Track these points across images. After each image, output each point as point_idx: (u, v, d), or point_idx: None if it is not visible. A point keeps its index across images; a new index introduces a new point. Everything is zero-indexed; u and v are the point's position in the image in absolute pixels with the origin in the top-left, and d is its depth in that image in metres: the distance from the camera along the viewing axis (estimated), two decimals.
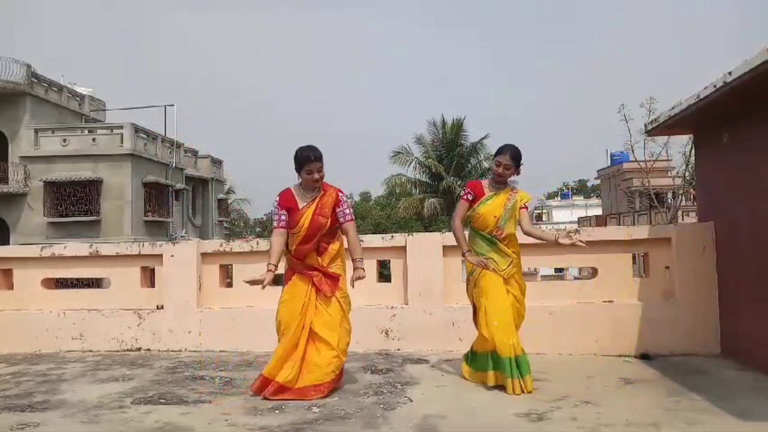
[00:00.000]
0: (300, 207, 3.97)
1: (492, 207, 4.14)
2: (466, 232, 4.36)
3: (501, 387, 3.94)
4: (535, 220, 62.90)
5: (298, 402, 3.75)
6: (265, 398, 3.84)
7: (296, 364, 3.88)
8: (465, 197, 4.26)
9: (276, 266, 3.97)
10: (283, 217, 3.99)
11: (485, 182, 4.33)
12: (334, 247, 4.05)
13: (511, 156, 4.16)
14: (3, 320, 6.07)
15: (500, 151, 4.22)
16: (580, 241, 4.04)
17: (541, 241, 4.72)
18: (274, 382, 3.87)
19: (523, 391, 3.84)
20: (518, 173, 4.26)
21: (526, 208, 4.27)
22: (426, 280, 5.49)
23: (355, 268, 4.01)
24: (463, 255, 4.23)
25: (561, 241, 4.12)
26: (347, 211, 4.06)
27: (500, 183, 4.26)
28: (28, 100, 24.46)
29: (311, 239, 3.96)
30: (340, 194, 4.08)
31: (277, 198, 4.06)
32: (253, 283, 3.95)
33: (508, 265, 4.13)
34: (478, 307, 4.16)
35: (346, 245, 4.16)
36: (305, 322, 3.94)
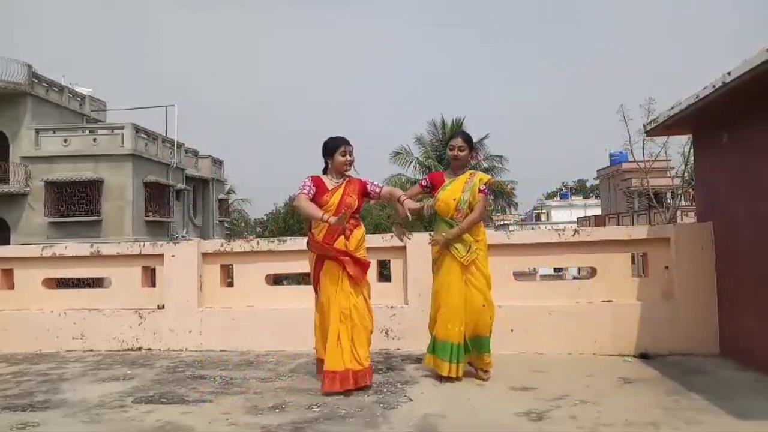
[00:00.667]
0: (329, 188, 4.18)
1: (451, 191, 4.28)
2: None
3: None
4: (534, 220, 62.91)
5: (298, 401, 3.76)
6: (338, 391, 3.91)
7: (335, 348, 3.99)
8: (421, 183, 4.56)
9: (326, 213, 4.05)
10: (312, 189, 4.16)
11: (446, 172, 4.49)
12: (359, 232, 4.19)
13: (464, 139, 4.41)
14: (4, 320, 6.08)
15: (452, 137, 4.48)
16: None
17: (540, 241, 4.76)
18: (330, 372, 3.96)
19: (458, 376, 4.15)
20: (472, 157, 4.55)
21: (485, 192, 4.32)
22: (426, 280, 5.45)
23: (347, 239, 4.11)
24: (396, 231, 4.49)
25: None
26: (377, 183, 4.33)
27: (458, 168, 4.42)
28: (28, 100, 24.48)
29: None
30: (366, 179, 4.33)
31: (309, 177, 4.24)
32: (337, 222, 3.97)
33: (468, 252, 4.19)
34: (432, 292, 4.36)
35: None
36: (340, 306, 4.06)
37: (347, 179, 4.26)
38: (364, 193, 4.28)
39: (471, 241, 4.20)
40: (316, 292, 4.28)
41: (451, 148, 4.39)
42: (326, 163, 4.29)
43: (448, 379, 4.16)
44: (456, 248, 4.20)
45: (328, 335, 4.03)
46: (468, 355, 4.25)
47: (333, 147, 4.22)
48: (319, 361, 4.22)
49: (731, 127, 4.78)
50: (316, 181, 4.22)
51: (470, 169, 4.45)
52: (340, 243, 4.09)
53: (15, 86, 23.75)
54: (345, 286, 4.08)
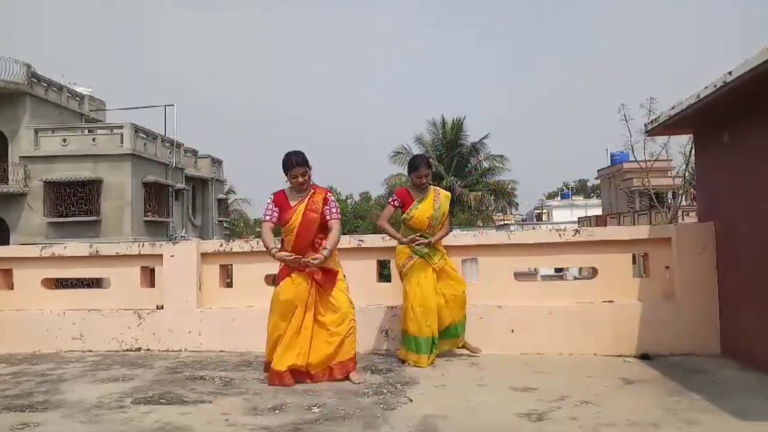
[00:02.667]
0: (292, 205, 4.28)
1: (424, 209, 4.82)
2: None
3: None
4: (535, 219, 62.94)
5: (298, 402, 3.75)
6: (282, 385, 4.11)
7: (304, 350, 4.17)
8: (393, 203, 4.94)
9: (276, 247, 4.25)
10: (274, 213, 4.31)
11: (409, 189, 4.95)
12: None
13: (427, 165, 4.93)
14: (3, 320, 6.07)
15: (416, 167, 4.88)
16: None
17: (541, 241, 4.68)
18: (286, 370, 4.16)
19: (432, 362, 4.69)
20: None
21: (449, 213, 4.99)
22: None
23: (317, 252, 4.20)
24: (401, 242, 4.83)
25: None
26: (334, 210, 4.36)
27: (422, 187, 4.90)
28: (28, 100, 24.47)
29: (306, 235, 4.25)
30: (329, 194, 4.43)
31: (272, 196, 4.38)
32: (283, 260, 4.21)
33: (440, 259, 4.83)
34: (406, 292, 4.80)
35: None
36: (311, 312, 4.21)
37: (312, 191, 4.33)
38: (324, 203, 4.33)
39: (441, 248, 4.89)
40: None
41: (419, 177, 4.85)
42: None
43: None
44: (430, 256, 4.78)
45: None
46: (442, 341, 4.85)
47: (284, 168, 4.32)
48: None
49: (732, 127, 4.77)
50: (279, 200, 4.33)
51: (432, 185, 4.99)
52: (309, 256, 4.20)
53: (14, 86, 23.74)
54: (315, 296, 4.26)
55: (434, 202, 4.86)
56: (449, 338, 4.92)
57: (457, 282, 4.92)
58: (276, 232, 4.38)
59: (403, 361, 4.79)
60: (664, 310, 5.09)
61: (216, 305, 5.86)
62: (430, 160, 5.12)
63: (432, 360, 4.73)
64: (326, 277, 4.23)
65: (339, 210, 4.41)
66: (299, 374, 4.21)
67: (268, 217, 4.30)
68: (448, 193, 5.08)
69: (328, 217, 4.31)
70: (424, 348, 4.68)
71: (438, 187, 5.05)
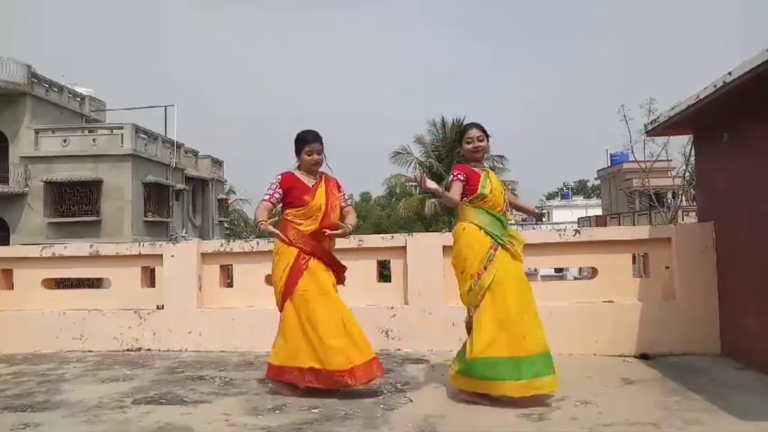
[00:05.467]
0: (309, 185, 3.95)
1: (496, 184, 3.92)
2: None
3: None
4: (535, 220, 63.01)
5: (298, 402, 3.75)
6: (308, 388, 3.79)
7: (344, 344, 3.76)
8: (458, 178, 3.88)
9: (267, 221, 3.82)
10: (276, 194, 3.91)
11: (469, 166, 3.98)
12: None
13: (479, 128, 4.02)
14: (3, 320, 6.07)
15: (465, 130, 4.05)
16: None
17: (541, 241, 4.68)
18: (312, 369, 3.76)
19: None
20: (488, 148, 4.08)
21: None
22: (426, 280, 5.48)
23: (331, 246, 4.02)
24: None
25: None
26: (347, 197, 4.17)
27: (480, 161, 4.02)
28: (28, 100, 24.47)
29: (333, 216, 3.92)
30: (340, 182, 4.14)
31: (279, 176, 3.97)
32: (272, 233, 3.81)
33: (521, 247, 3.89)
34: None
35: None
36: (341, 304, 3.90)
37: (323, 176, 4.03)
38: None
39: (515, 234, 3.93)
40: (290, 296, 3.88)
41: (469, 141, 3.96)
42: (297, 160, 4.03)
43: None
44: (512, 243, 3.82)
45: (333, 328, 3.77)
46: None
47: (298, 145, 3.96)
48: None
49: (732, 127, 4.77)
50: (290, 181, 3.94)
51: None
52: (326, 243, 3.98)
53: (14, 86, 23.74)
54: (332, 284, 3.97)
55: (498, 177, 4.00)
56: None
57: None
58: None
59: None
60: (664, 310, 5.09)
61: (216, 305, 5.86)
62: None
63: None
64: (340, 270, 4.04)
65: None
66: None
67: (267, 197, 3.90)
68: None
69: (344, 204, 4.07)
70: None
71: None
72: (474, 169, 3.94)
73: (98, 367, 5.10)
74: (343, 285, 4.11)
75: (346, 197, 4.16)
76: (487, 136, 4.05)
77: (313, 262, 3.89)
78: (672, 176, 26.86)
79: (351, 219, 4.05)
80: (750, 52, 3.67)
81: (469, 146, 3.98)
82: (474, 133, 3.98)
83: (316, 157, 3.94)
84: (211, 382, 4.40)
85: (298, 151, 3.99)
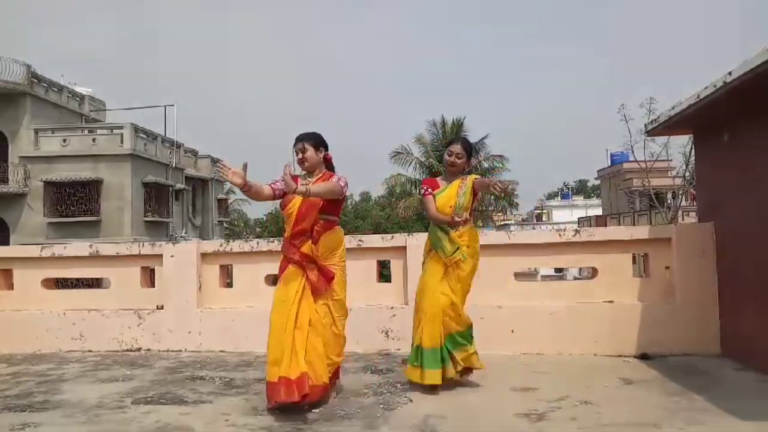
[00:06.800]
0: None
1: (446, 198, 4.15)
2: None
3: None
4: (535, 220, 62.97)
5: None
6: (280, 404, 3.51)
7: (287, 355, 3.54)
8: (426, 193, 4.21)
9: (246, 182, 3.63)
10: (278, 183, 3.75)
11: (439, 178, 4.33)
12: (330, 237, 3.80)
13: (463, 146, 4.24)
14: (3, 320, 6.07)
15: (451, 142, 4.34)
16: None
17: (541, 241, 4.65)
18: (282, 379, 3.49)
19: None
20: (469, 165, 4.30)
21: (476, 195, 4.20)
22: None
23: (315, 245, 3.74)
24: (453, 224, 4.06)
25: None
26: (342, 182, 3.80)
27: (453, 174, 4.24)
28: (28, 100, 24.43)
29: (305, 217, 3.73)
30: (336, 174, 3.92)
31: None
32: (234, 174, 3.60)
33: (454, 252, 4.04)
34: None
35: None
36: (297, 315, 3.65)
37: (321, 174, 3.88)
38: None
39: (459, 242, 4.09)
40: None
41: (449, 154, 4.21)
42: None
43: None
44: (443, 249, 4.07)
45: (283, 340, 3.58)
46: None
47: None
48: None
49: (732, 127, 4.77)
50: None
51: (461, 176, 4.24)
52: (306, 247, 3.72)
53: (14, 86, 23.69)
54: (306, 294, 3.71)
55: (459, 189, 4.15)
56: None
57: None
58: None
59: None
60: (664, 310, 5.09)
61: (216, 305, 5.86)
62: (470, 143, 4.38)
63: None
64: (321, 278, 3.74)
65: (347, 186, 3.83)
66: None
67: (271, 182, 3.82)
68: (475, 175, 4.38)
69: (343, 184, 3.78)
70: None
71: (470, 175, 4.31)
72: (439, 180, 4.26)
73: (98, 367, 5.10)
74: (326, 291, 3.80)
75: (342, 182, 3.80)
76: (469, 156, 4.25)
77: (290, 269, 3.76)
78: (672, 176, 26.91)
79: (323, 184, 3.74)
80: (750, 52, 3.67)
81: (448, 159, 4.25)
82: (455, 149, 4.22)
83: (299, 155, 3.87)
84: (210, 382, 4.40)
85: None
